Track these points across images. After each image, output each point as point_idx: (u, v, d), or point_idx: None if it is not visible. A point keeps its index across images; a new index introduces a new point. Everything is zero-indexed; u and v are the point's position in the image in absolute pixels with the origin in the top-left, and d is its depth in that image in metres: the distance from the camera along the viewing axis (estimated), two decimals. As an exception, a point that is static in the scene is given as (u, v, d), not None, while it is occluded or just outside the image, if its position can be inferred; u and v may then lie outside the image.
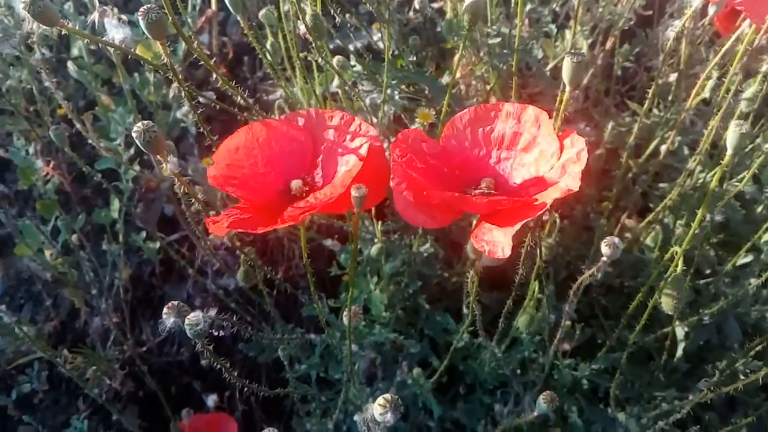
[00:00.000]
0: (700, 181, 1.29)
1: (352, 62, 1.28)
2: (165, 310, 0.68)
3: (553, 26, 1.43)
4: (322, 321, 0.97)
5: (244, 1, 1.03)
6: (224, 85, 0.84)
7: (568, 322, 1.06)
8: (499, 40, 1.34)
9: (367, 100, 1.26)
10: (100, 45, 0.90)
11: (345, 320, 0.86)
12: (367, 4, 1.23)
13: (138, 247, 1.59)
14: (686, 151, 1.39)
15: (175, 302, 0.70)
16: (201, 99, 0.88)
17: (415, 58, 1.31)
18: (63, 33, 0.66)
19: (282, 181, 0.76)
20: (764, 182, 1.34)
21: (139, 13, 0.63)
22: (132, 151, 1.46)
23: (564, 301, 0.99)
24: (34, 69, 1.50)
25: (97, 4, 0.90)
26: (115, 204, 1.50)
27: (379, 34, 1.43)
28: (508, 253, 0.64)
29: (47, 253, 1.47)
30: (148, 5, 0.64)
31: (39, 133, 1.65)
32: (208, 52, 1.76)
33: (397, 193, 0.69)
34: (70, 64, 1.52)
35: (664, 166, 1.43)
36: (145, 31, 0.65)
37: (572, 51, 0.69)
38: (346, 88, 1.24)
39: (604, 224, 1.36)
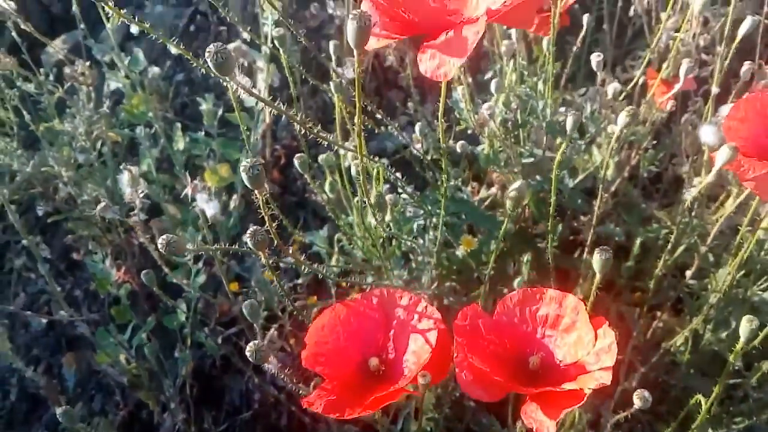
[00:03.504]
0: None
1: (395, 177, 1.40)
2: None
3: (581, 142, 1.54)
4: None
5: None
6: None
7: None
8: (531, 160, 1.47)
9: (414, 226, 1.39)
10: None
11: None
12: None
13: (200, 342, 1.72)
14: (712, 258, 1.48)
15: None
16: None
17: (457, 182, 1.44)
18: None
19: (360, 355, 0.88)
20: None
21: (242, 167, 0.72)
22: (201, 264, 1.60)
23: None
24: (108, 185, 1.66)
25: (189, 180, 1.04)
26: (183, 307, 1.64)
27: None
28: None
29: (122, 357, 1.61)
30: (251, 160, 0.71)
31: (109, 238, 1.81)
32: (263, 159, 1.91)
33: (460, 370, 0.82)
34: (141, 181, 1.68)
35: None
36: (247, 183, 0.72)
37: (601, 248, 0.80)
38: (396, 215, 1.37)
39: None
